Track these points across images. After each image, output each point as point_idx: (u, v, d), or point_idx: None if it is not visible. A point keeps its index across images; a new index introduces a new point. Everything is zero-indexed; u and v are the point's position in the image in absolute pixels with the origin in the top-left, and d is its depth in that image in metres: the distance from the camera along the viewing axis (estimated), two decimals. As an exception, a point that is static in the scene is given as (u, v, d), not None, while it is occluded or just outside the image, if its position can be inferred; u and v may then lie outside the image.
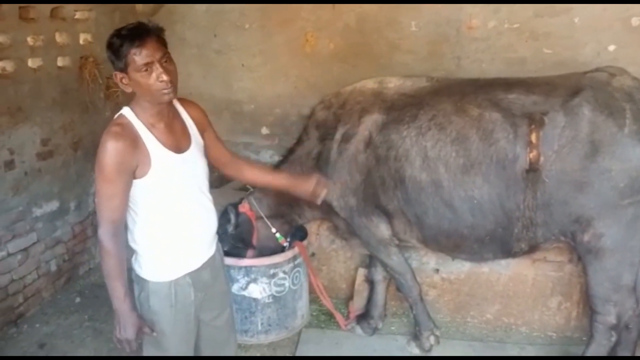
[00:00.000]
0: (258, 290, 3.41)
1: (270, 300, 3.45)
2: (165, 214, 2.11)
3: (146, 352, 2.29)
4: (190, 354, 2.32)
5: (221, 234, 3.22)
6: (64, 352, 3.41)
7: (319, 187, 2.56)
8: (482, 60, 4.38)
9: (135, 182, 2.01)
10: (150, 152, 2.01)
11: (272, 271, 3.41)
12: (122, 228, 2.07)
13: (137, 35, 1.91)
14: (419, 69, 3.97)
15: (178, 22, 4.93)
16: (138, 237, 2.13)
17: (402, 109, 3.05)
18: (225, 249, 3.28)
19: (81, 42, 4.20)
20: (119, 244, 2.03)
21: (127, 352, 2.13)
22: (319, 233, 3.91)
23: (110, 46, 1.94)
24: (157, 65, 1.93)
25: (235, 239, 3.37)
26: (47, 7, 3.82)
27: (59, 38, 3.97)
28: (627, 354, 3.12)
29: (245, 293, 3.40)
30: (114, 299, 2.06)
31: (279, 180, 2.65)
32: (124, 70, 1.94)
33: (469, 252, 3.13)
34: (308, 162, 3.32)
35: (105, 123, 4.62)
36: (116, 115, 2.07)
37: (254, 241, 3.43)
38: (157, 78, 1.93)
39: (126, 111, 2.06)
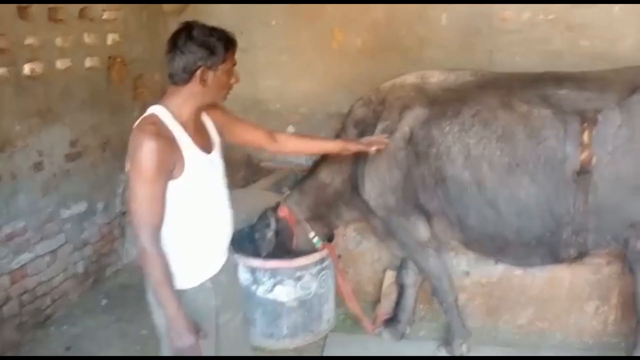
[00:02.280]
0: (284, 293, 3.36)
1: (296, 303, 3.39)
2: (192, 217, 2.07)
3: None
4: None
5: (259, 239, 3.18)
6: (90, 353, 3.43)
7: (375, 140, 2.86)
8: (516, 53, 4.25)
9: (170, 183, 1.96)
10: (184, 152, 1.99)
11: (298, 274, 3.35)
12: (160, 232, 1.98)
13: (233, 41, 2.04)
14: (450, 63, 3.85)
15: (204, 20, 4.86)
16: (165, 241, 2.03)
17: (444, 104, 2.92)
18: (264, 255, 3.25)
19: (109, 42, 4.22)
20: (161, 249, 1.95)
21: (194, 356, 2.02)
22: (345, 234, 3.83)
23: (205, 43, 1.96)
24: (235, 67, 2.08)
25: (274, 246, 3.29)
26: (75, 8, 3.84)
27: (87, 38, 3.99)
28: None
29: (270, 296, 3.35)
30: (168, 308, 1.96)
31: (329, 143, 2.89)
32: (213, 65, 1.98)
33: (514, 256, 3.01)
34: (347, 161, 3.23)
35: (133, 123, 4.69)
36: (145, 114, 2.04)
37: (294, 247, 3.35)
38: (235, 79, 2.08)
39: (158, 110, 2.02)
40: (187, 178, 1.99)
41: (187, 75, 1.96)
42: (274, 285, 3.35)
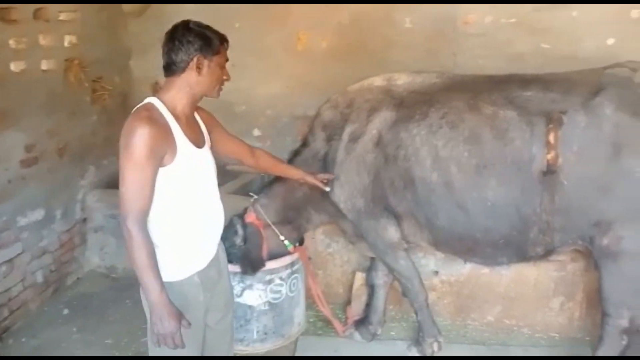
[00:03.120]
0: (254, 297, 3.31)
1: (267, 307, 3.34)
2: (180, 208, 2.11)
3: (155, 354, 2.23)
4: (197, 356, 2.30)
5: (228, 247, 3.12)
6: (52, 366, 3.31)
7: (323, 177, 3.04)
8: (480, 56, 4.31)
9: (160, 170, 2.01)
10: (177, 141, 2.05)
11: (268, 277, 3.31)
12: (147, 219, 2.01)
13: (226, 37, 2.18)
14: (415, 65, 3.88)
15: (167, 22, 4.67)
16: (153, 232, 2.07)
17: (412, 106, 2.93)
18: (234, 263, 3.17)
19: (66, 44, 4.08)
20: (147, 235, 1.99)
21: (172, 347, 2.03)
22: (314, 237, 3.81)
23: (201, 33, 2.09)
24: (227, 64, 2.20)
25: (244, 253, 3.22)
26: (29, 8, 3.69)
27: (43, 40, 3.84)
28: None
29: (240, 300, 3.29)
30: (150, 293, 1.98)
31: (293, 170, 3.04)
32: (208, 55, 2.09)
33: (483, 256, 3.03)
34: (314, 164, 3.21)
35: (93, 127, 4.54)
36: (140, 104, 2.10)
37: (264, 252, 3.27)
38: (226, 75, 2.19)
39: (154, 100, 2.10)
40: (177, 167, 2.04)
41: (184, 65, 2.07)
42: (243, 290, 3.30)
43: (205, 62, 2.08)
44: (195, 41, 2.07)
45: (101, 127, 4.51)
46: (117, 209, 4.36)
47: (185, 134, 2.10)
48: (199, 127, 2.26)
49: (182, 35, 2.07)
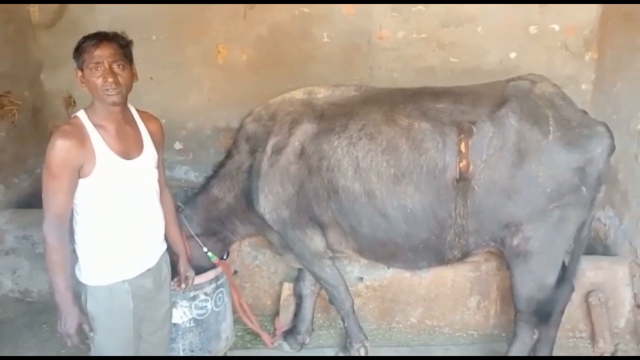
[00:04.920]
0: (178, 315, 3.21)
1: (192, 324, 3.27)
2: (106, 218, 2.17)
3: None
4: None
5: None
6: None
7: (189, 277, 2.80)
8: (394, 69, 4.49)
9: (80, 181, 2.10)
10: (96, 152, 2.09)
11: (192, 294, 3.23)
12: (66, 225, 2.13)
13: (96, 36, 2.10)
14: (334, 78, 4.00)
15: (80, 33, 4.61)
16: (78, 239, 2.21)
17: (332, 118, 3.02)
18: None
19: (-30, 57, 3.87)
20: (62, 239, 2.11)
21: (69, 345, 2.21)
22: (240, 250, 3.80)
23: (76, 48, 2.11)
24: (106, 65, 2.07)
25: None
26: None
27: (-56, 54, 3.63)
28: (547, 351, 3.25)
29: (164, 318, 3.22)
30: (55, 293, 2.14)
31: (172, 240, 2.63)
32: (80, 67, 2.10)
33: (404, 260, 3.15)
34: (239, 176, 3.22)
35: (1, 144, 4.27)
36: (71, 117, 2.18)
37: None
38: (103, 77, 2.07)
39: (80, 113, 2.17)
40: (96, 177, 2.10)
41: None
42: (168, 307, 3.23)
43: (80, 74, 2.12)
44: (74, 54, 2.12)
45: (10, 144, 4.30)
46: (30, 229, 4.17)
47: (110, 146, 2.13)
48: (137, 136, 2.25)
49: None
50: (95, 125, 2.12)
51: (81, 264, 2.22)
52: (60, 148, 2.03)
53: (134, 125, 2.27)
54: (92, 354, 2.33)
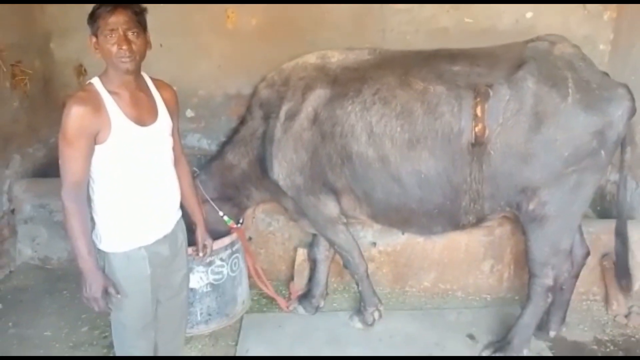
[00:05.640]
0: (195, 280, 3.29)
1: (209, 289, 3.35)
2: (121, 184, 2.18)
3: (113, 327, 2.42)
4: (147, 330, 2.40)
5: None
6: (-13, 363, 3.19)
7: (207, 245, 2.74)
8: (406, 32, 4.41)
9: (96, 147, 2.11)
10: (112, 119, 2.10)
11: (208, 259, 3.29)
12: (84, 191, 2.15)
13: (111, 2, 2.06)
14: (345, 43, 3.91)
15: (87, 3, 4.61)
16: (95, 206, 2.22)
17: (345, 83, 2.98)
18: None
19: (-21, 29, 3.85)
20: (81, 205, 2.13)
21: (96, 311, 2.23)
22: (254, 216, 3.83)
23: (90, 14, 2.08)
24: (121, 32, 2.05)
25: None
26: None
27: (-46, 25, 3.62)
28: (561, 314, 3.29)
29: (181, 284, 3.28)
30: (78, 259, 2.15)
31: (190, 209, 2.63)
32: (95, 33, 2.08)
33: (419, 225, 3.15)
34: (253, 142, 3.23)
35: (14, 114, 4.30)
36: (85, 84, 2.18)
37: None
38: (117, 45, 2.06)
39: (94, 80, 2.16)
40: (112, 144, 2.11)
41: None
42: (185, 273, 3.29)
43: (94, 40, 2.10)
44: (88, 21, 2.09)
45: (23, 114, 4.31)
46: (47, 198, 4.22)
47: (125, 112, 2.14)
48: (151, 103, 2.25)
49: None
50: (109, 92, 2.13)
51: (98, 231, 2.24)
52: (76, 115, 2.04)
53: (148, 92, 2.27)
54: (112, 320, 2.39)
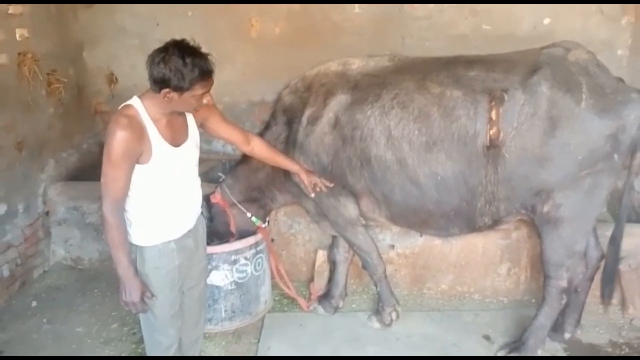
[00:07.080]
0: (220, 278, 3.43)
1: (233, 286, 3.47)
2: (156, 193, 2.38)
3: (142, 319, 2.61)
4: (176, 318, 2.60)
5: None
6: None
7: (319, 183, 3.04)
8: (426, 38, 4.49)
9: (137, 166, 2.27)
10: (153, 144, 2.27)
11: (233, 258, 3.43)
12: (123, 205, 2.33)
13: (208, 72, 2.19)
14: (365, 49, 4.01)
15: (117, 11, 4.81)
16: (130, 208, 2.38)
17: (365, 89, 3.09)
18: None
19: (17, 38, 4.05)
20: (120, 219, 2.32)
21: (134, 313, 2.47)
22: (277, 219, 3.95)
23: (176, 70, 2.11)
24: (209, 94, 2.28)
25: (210, 230, 3.35)
26: (-23, 5, 3.67)
27: (-5, 35, 3.82)
28: (576, 316, 3.32)
29: (207, 281, 3.40)
30: (118, 267, 2.34)
31: (289, 163, 3.05)
32: (179, 90, 2.17)
33: (436, 227, 3.23)
34: (277, 146, 3.32)
35: (49, 121, 4.50)
36: (123, 105, 2.29)
37: (233, 228, 3.47)
38: (204, 103, 2.29)
39: (135, 102, 2.28)
40: (152, 165, 2.30)
41: (157, 90, 2.20)
42: (210, 271, 3.39)
43: (175, 96, 2.19)
44: (168, 75, 2.12)
45: (58, 121, 4.51)
46: (79, 201, 4.41)
47: (163, 135, 2.30)
48: (183, 124, 2.43)
49: (157, 65, 2.13)
50: (151, 117, 2.27)
51: (133, 227, 2.41)
52: (121, 139, 2.17)
53: (181, 114, 2.43)
54: (142, 316, 2.58)
